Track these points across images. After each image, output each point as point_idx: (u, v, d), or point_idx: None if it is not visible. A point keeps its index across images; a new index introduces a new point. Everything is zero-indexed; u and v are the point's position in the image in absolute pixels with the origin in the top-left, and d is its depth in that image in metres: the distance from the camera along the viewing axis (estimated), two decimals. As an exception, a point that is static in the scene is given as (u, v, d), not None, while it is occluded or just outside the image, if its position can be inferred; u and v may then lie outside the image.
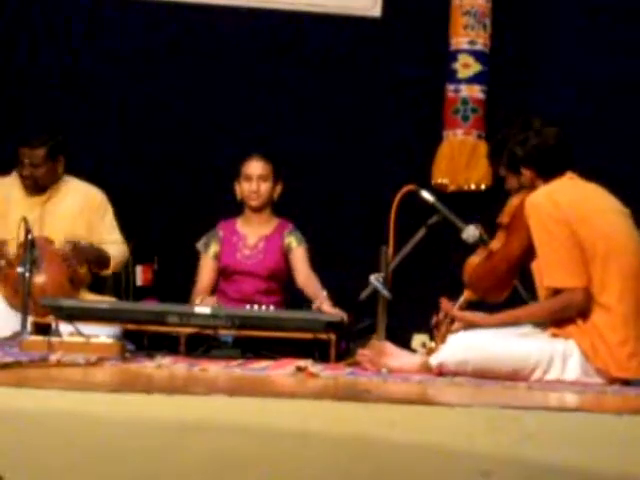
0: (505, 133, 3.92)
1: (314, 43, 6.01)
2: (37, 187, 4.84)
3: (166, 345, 3.96)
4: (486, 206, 4.48)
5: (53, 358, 3.28)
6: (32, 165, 4.80)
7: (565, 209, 3.64)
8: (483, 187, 5.82)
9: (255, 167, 4.85)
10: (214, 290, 4.88)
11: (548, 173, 3.79)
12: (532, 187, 3.78)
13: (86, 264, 4.76)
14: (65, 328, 3.86)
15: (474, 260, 3.95)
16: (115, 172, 5.50)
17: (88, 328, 3.86)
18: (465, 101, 5.94)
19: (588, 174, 3.85)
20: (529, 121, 3.86)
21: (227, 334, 4.04)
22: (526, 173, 3.82)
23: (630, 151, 5.80)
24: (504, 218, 3.88)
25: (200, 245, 4.91)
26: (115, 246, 4.92)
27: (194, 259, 4.93)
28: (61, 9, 5.95)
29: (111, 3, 5.97)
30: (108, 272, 4.94)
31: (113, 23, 5.96)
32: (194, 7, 5.97)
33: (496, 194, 4.52)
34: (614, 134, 5.84)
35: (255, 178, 4.84)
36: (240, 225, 4.94)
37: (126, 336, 4.06)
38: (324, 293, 4.62)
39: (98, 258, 4.84)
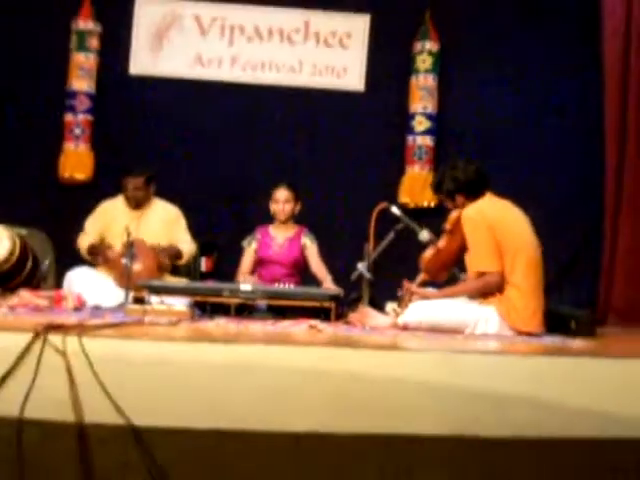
0: (441, 173, 3.90)
1: (318, 109, 6.01)
2: (136, 205, 4.82)
3: (221, 311, 3.95)
4: (434, 217, 4.46)
5: (146, 320, 3.28)
6: (135, 189, 4.78)
7: (488, 218, 3.63)
8: (432, 205, 5.83)
9: (281, 194, 4.82)
10: (251, 272, 4.84)
11: (473, 196, 3.78)
12: (463, 206, 3.77)
13: (168, 256, 4.74)
14: (154, 299, 3.86)
15: (427, 254, 3.94)
16: (190, 194, 5.47)
17: (170, 299, 3.86)
18: (420, 147, 5.93)
19: (500, 190, 3.84)
20: (456, 162, 3.84)
21: (263, 303, 4.04)
22: (458, 198, 3.81)
23: (527, 174, 5.77)
24: (447, 226, 3.88)
25: (245, 242, 4.89)
26: (187, 244, 4.87)
27: (240, 253, 4.91)
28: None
29: (187, 86, 5.99)
30: (182, 262, 4.89)
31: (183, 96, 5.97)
32: (242, 86, 6.00)
33: (440, 209, 4.50)
34: (520, 160, 5.82)
35: (281, 202, 4.81)
36: (272, 230, 4.91)
37: (195, 305, 4.05)
38: (329, 277, 4.64)
39: (175, 253, 4.80)
